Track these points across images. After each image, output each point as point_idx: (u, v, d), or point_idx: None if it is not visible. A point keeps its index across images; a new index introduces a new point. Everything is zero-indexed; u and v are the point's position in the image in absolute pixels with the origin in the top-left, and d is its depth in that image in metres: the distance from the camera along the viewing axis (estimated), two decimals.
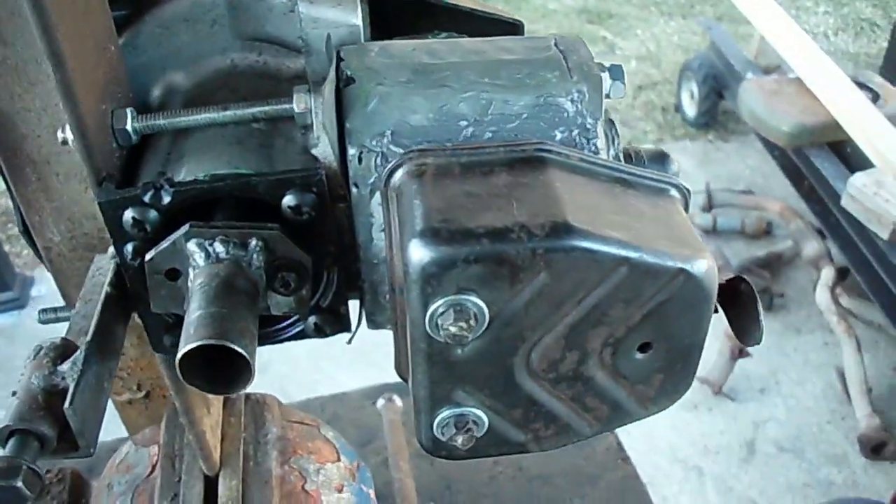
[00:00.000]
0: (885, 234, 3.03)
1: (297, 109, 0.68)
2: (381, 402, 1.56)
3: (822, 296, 3.47)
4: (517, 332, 0.59)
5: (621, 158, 0.74)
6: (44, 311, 0.85)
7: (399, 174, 0.63)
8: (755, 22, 4.05)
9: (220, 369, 0.60)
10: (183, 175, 0.68)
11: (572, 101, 0.68)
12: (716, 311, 0.66)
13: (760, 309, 0.65)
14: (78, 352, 0.65)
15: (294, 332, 0.76)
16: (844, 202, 3.18)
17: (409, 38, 0.80)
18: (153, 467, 0.99)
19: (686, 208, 0.68)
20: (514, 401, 0.64)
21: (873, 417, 3.10)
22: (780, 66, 4.06)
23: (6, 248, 3.98)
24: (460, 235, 0.55)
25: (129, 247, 0.68)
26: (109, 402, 1.10)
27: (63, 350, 0.66)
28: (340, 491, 0.99)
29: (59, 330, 0.74)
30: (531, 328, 0.59)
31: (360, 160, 0.67)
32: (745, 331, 0.66)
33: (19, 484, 0.57)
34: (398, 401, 1.55)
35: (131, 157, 0.72)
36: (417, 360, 0.61)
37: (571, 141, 0.68)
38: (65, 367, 0.64)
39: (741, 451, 3.22)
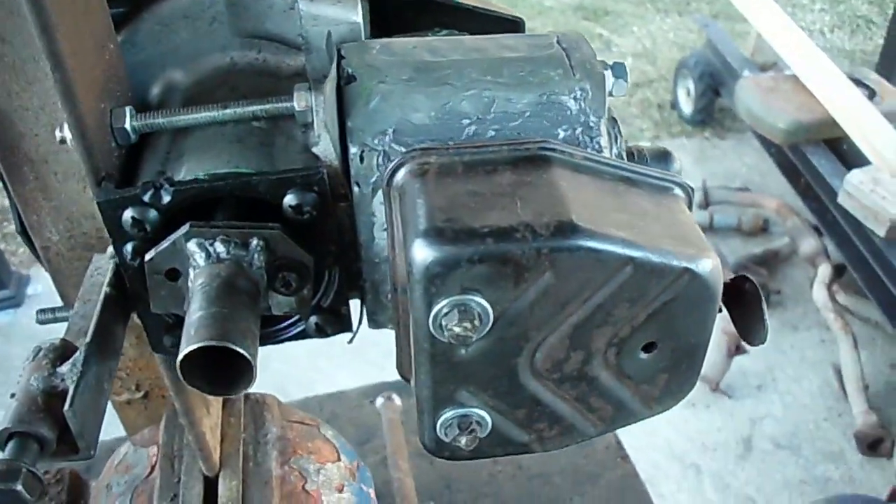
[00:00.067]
0: (881, 232, 3.03)
1: (297, 107, 0.68)
2: (380, 400, 1.55)
3: (818, 293, 3.48)
4: (521, 332, 0.59)
5: (624, 157, 0.74)
6: (42, 311, 0.84)
7: (401, 173, 0.63)
8: (751, 19, 4.05)
9: (222, 370, 0.60)
10: (183, 174, 0.68)
11: (575, 99, 0.68)
12: (720, 310, 0.66)
13: (765, 308, 0.65)
14: (77, 353, 0.64)
15: (295, 332, 0.76)
16: (841, 199, 3.18)
17: (410, 36, 0.79)
18: (152, 468, 0.98)
19: (690, 207, 0.67)
20: (517, 401, 0.64)
21: (870, 414, 3.11)
22: (776, 63, 4.06)
23: (1, 246, 3.96)
24: (464, 235, 0.55)
25: (129, 247, 0.67)
26: (108, 403, 1.09)
27: (62, 351, 0.65)
28: (341, 491, 0.98)
29: (57, 329, 0.74)
30: (536, 328, 0.59)
31: (361, 159, 0.67)
32: (749, 330, 0.66)
33: (19, 487, 0.57)
34: (397, 399, 1.55)
35: (130, 156, 0.72)
36: (421, 360, 0.60)
37: (575, 139, 0.68)
38: (64, 368, 0.63)
39: (738, 448, 3.22)
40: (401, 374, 0.74)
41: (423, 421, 0.65)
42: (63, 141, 0.70)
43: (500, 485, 1.55)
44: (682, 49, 5.60)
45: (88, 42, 0.64)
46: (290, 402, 1.36)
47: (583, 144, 0.68)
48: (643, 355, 0.63)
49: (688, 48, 5.48)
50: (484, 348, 0.59)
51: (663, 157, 0.77)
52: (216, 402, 0.98)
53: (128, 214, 0.65)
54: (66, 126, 0.68)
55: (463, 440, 0.64)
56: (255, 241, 0.64)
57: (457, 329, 0.56)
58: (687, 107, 4.86)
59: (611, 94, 0.71)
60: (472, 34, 0.81)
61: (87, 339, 0.65)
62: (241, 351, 0.57)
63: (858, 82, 3.53)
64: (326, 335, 0.76)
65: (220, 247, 0.64)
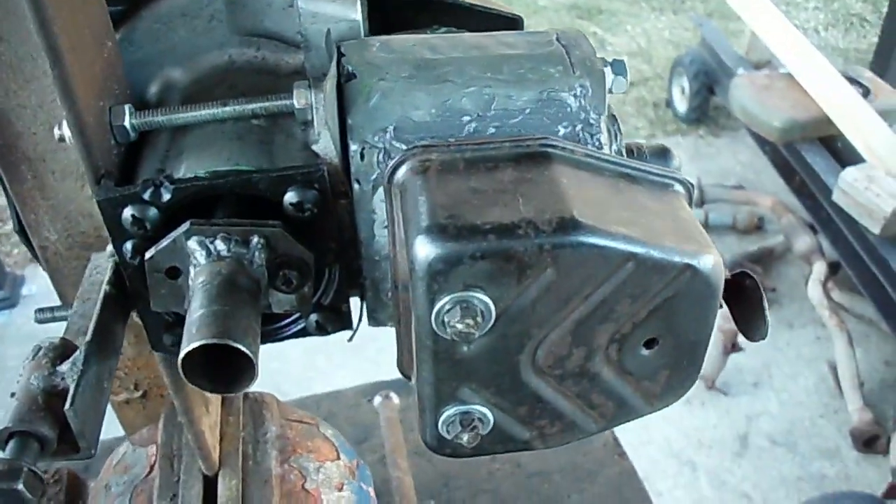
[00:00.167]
0: (876, 229, 3.04)
1: (297, 105, 0.67)
2: (378, 399, 1.55)
3: (813, 290, 3.48)
4: (524, 328, 0.59)
5: (623, 154, 0.74)
6: (40, 310, 0.84)
7: (403, 170, 0.63)
8: (746, 18, 4.06)
9: (223, 368, 0.60)
10: (182, 172, 0.68)
11: (575, 96, 0.68)
12: (720, 307, 0.66)
13: (766, 304, 0.65)
14: (77, 352, 0.64)
15: (295, 329, 0.75)
16: (836, 197, 3.19)
17: (409, 34, 0.79)
18: (151, 467, 0.98)
19: (690, 203, 0.67)
20: (519, 398, 0.64)
21: (865, 411, 3.12)
22: (770, 61, 4.07)
23: None
24: (467, 231, 0.55)
25: (129, 245, 0.67)
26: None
27: (62, 350, 0.65)
28: (340, 489, 0.98)
29: (54, 329, 0.73)
30: (538, 325, 0.59)
31: (362, 156, 0.67)
32: (750, 326, 0.66)
33: (20, 487, 0.56)
34: (395, 398, 1.55)
35: (129, 154, 0.71)
36: (423, 357, 0.60)
37: (575, 136, 0.68)
38: (64, 367, 0.63)
39: (734, 444, 3.22)
40: (401, 371, 0.74)
41: (424, 418, 0.65)
42: (62, 139, 0.70)
43: (499, 482, 1.55)
44: (677, 47, 5.60)
45: (87, 38, 0.64)
46: (286, 402, 1.36)
47: (583, 141, 0.68)
48: (645, 351, 0.63)
49: (683, 46, 5.49)
50: (486, 345, 0.59)
51: (663, 154, 0.77)
52: (215, 400, 0.98)
53: (128, 212, 0.65)
54: (64, 124, 0.68)
55: (465, 437, 0.64)
56: (255, 239, 0.64)
57: (459, 326, 0.56)
58: (682, 105, 4.86)
59: (610, 91, 0.71)
60: (470, 32, 0.81)
61: (87, 337, 0.65)
62: (243, 349, 0.57)
63: (853, 80, 3.53)
64: (327, 333, 0.75)
65: (220, 244, 0.64)
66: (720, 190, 4.21)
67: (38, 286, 3.78)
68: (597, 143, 0.68)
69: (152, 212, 0.65)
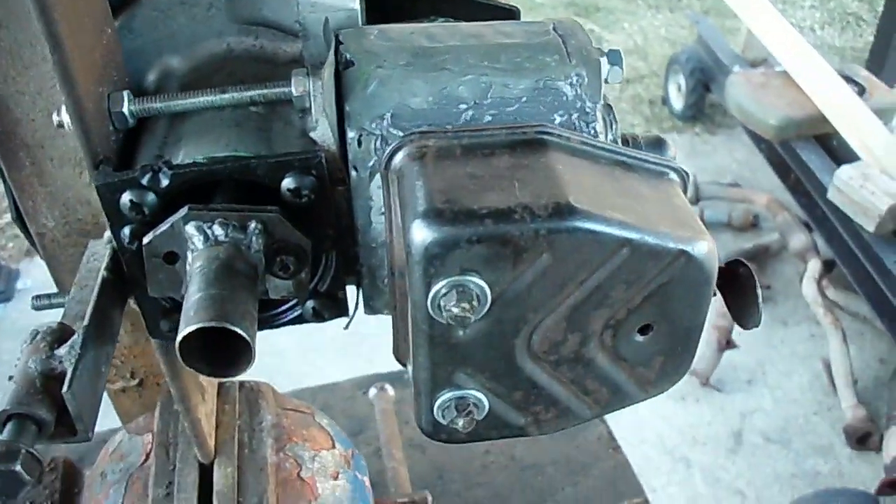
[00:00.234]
0: (870, 227, 3.05)
1: (295, 93, 0.68)
2: (373, 391, 1.55)
3: (808, 288, 3.50)
4: (519, 313, 0.59)
5: (619, 143, 0.74)
6: (37, 297, 0.84)
7: (400, 156, 0.63)
8: (742, 16, 4.07)
9: (220, 352, 0.60)
10: (181, 158, 0.68)
11: (571, 85, 0.68)
12: (714, 294, 0.66)
13: (759, 292, 0.65)
14: (75, 336, 0.64)
15: (292, 316, 0.76)
16: (831, 195, 3.20)
17: (407, 24, 0.80)
18: (147, 455, 0.98)
19: (685, 191, 0.68)
20: (514, 383, 0.64)
21: (859, 408, 3.13)
22: (766, 59, 4.08)
23: None
24: (463, 216, 0.55)
25: (127, 230, 0.67)
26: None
27: (60, 334, 0.65)
28: (336, 478, 0.99)
29: (48, 319, 0.73)
30: (533, 309, 0.59)
31: (359, 143, 0.67)
32: (743, 314, 0.66)
33: (18, 468, 0.57)
34: (390, 390, 1.55)
35: (128, 141, 0.72)
36: (419, 342, 0.61)
37: (571, 124, 0.68)
38: (62, 351, 0.63)
39: (728, 441, 3.23)
40: (397, 358, 0.75)
41: (420, 403, 0.65)
42: (60, 125, 0.70)
43: (493, 475, 1.56)
44: (674, 45, 5.61)
45: (87, 25, 0.64)
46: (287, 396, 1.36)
47: (579, 130, 0.68)
48: (639, 338, 0.64)
49: (679, 44, 5.50)
50: (482, 330, 0.60)
51: (658, 144, 0.77)
52: (211, 389, 0.98)
53: (126, 198, 0.65)
54: (63, 110, 0.68)
55: (460, 422, 0.64)
56: (253, 224, 0.64)
57: (455, 310, 0.56)
58: (678, 102, 4.87)
59: (606, 81, 0.72)
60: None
61: (85, 322, 0.65)
62: (240, 332, 0.57)
63: (848, 79, 3.54)
64: (323, 319, 0.76)
65: (218, 230, 0.64)
66: (716, 187, 4.22)
67: (34, 280, 3.77)
68: (592, 132, 0.69)
69: (150, 197, 0.66)
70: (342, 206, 0.71)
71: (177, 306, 0.72)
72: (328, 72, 0.66)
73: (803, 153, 3.54)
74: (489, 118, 0.67)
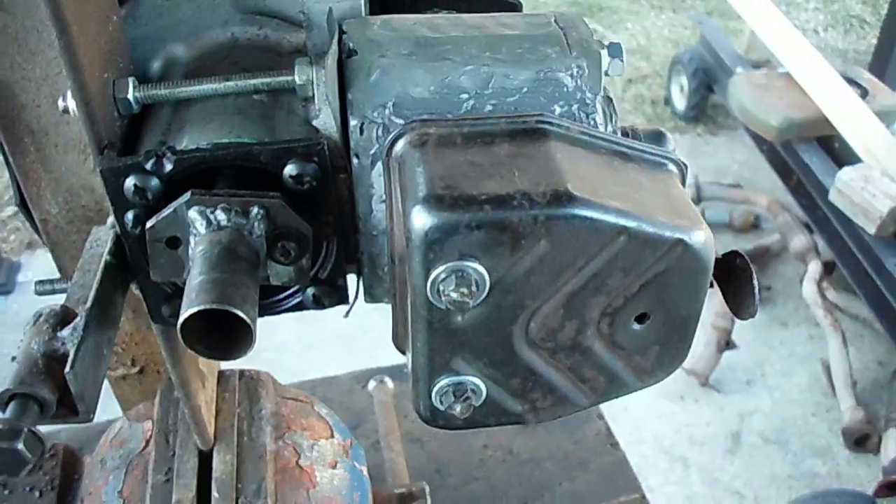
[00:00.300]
0: (871, 229, 3.06)
1: (298, 81, 0.69)
2: (372, 384, 1.56)
3: (808, 289, 3.50)
4: (517, 299, 0.60)
5: (619, 135, 0.75)
6: (40, 282, 0.85)
7: (401, 143, 0.64)
8: (746, 17, 4.07)
9: (221, 336, 0.61)
10: (184, 144, 0.68)
11: (572, 76, 0.69)
12: (711, 285, 0.67)
13: (755, 283, 0.66)
14: (78, 318, 0.65)
15: (293, 303, 0.76)
16: (832, 196, 3.20)
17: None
18: (147, 442, 0.99)
19: (683, 183, 0.68)
20: (512, 370, 0.65)
21: (857, 410, 3.14)
22: (769, 60, 4.08)
23: None
24: (463, 202, 0.56)
25: (130, 215, 0.68)
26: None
27: (63, 317, 0.66)
28: (334, 467, 0.99)
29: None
30: (531, 296, 0.60)
31: (361, 131, 0.68)
32: (739, 305, 0.67)
33: (20, 446, 0.57)
34: (389, 383, 1.56)
35: (132, 127, 0.72)
36: (418, 327, 0.61)
37: (571, 115, 0.69)
38: (65, 332, 0.64)
39: (726, 442, 3.24)
40: (396, 346, 0.75)
41: (418, 389, 0.66)
42: (66, 111, 0.71)
43: (491, 469, 1.56)
44: (677, 45, 5.62)
45: (93, 12, 0.65)
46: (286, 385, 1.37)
47: (579, 120, 0.69)
48: (636, 326, 0.64)
49: (682, 45, 5.50)
50: (480, 315, 0.60)
51: (658, 137, 0.78)
52: (211, 377, 0.99)
53: (130, 182, 0.66)
54: (69, 95, 0.69)
55: (458, 408, 0.65)
56: (255, 210, 0.65)
57: (454, 295, 0.57)
58: (680, 103, 4.88)
59: (607, 74, 0.73)
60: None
61: (88, 304, 0.66)
62: (241, 314, 0.58)
63: (851, 81, 3.55)
64: (323, 307, 0.76)
65: (220, 215, 0.65)
66: (717, 188, 4.22)
67: (35, 273, 3.78)
68: (592, 123, 0.69)
69: (154, 182, 0.66)
70: (344, 193, 0.71)
71: (178, 291, 0.73)
72: (331, 60, 0.67)
73: (805, 155, 3.55)
74: (490, 108, 0.68)
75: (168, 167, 0.66)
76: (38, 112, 0.82)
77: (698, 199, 4.14)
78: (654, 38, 5.91)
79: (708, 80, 4.53)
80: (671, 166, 0.68)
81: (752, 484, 3.10)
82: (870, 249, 3.13)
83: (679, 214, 0.61)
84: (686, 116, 4.89)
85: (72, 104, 0.68)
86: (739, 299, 0.67)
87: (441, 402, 0.65)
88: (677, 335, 0.66)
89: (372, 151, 0.68)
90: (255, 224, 0.65)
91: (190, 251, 0.65)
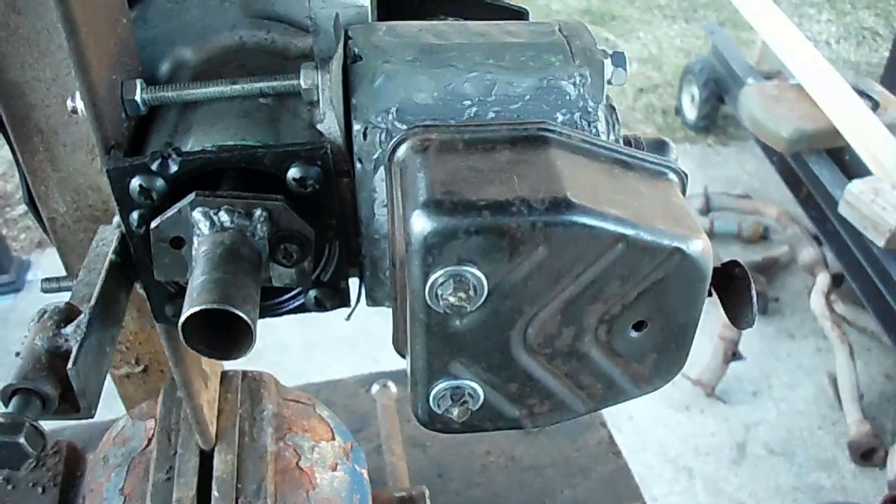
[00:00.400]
0: (880, 242, 3.05)
1: (303, 85, 0.69)
2: (375, 387, 1.57)
3: (816, 301, 3.49)
4: (515, 305, 0.61)
5: (621, 143, 0.75)
6: (47, 280, 0.86)
7: (403, 148, 0.64)
8: (758, 28, 4.07)
9: (222, 335, 0.62)
10: (190, 146, 0.69)
11: (574, 84, 0.70)
12: (709, 294, 0.67)
13: (754, 293, 0.66)
14: (82, 315, 0.66)
15: (295, 304, 0.77)
16: (841, 209, 3.19)
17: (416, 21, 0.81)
18: (149, 440, 1.00)
19: (683, 192, 0.69)
20: (509, 375, 0.65)
21: (864, 423, 3.12)
22: (780, 71, 4.08)
23: (3, 231, 3.98)
24: (462, 207, 0.57)
25: (135, 215, 0.69)
26: (107, 378, 1.11)
27: (67, 314, 0.67)
28: (334, 469, 1.00)
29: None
30: (529, 302, 0.60)
31: (364, 136, 0.68)
32: (737, 314, 0.67)
33: (21, 440, 0.58)
34: (393, 387, 1.56)
35: (139, 128, 0.73)
36: (416, 330, 0.62)
37: (573, 123, 0.69)
38: (68, 329, 0.65)
39: (732, 453, 3.23)
40: (396, 349, 0.76)
41: (416, 392, 0.66)
42: (74, 111, 0.72)
43: (493, 475, 1.56)
44: (688, 55, 5.62)
45: (102, 13, 0.66)
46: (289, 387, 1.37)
47: (581, 128, 0.70)
48: (633, 334, 0.65)
49: (693, 55, 5.50)
50: (478, 320, 0.61)
51: (660, 146, 0.78)
52: (214, 376, 1.00)
53: (135, 183, 0.67)
54: (77, 96, 0.70)
55: (455, 412, 0.66)
56: (258, 212, 0.66)
57: (452, 299, 0.58)
58: (691, 113, 4.88)
59: (610, 82, 0.73)
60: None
61: (91, 302, 0.67)
62: (242, 314, 0.59)
63: (862, 93, 3.54)
64: (325, 309, 0.77)
65: (224, 216, 0.65)
66: (726, 198, 4.22)
67: (44, 271, 3.80)
68: (594, 131, 0.70)
69: (159, 183, 0.67)
70: (346, 197, 0.72)
71: (182, 291, 0.73)
72: (336, 65, 0.68)
73: (815, 166, 3.54)
74: (493, 115, 0.69)
75: (173, 168, 0.66)
76: (47, 112, 0.83)
77: (707, 210, 4.14)
78: (666, 47, 5.91)
79: (719, 90, 4.53)
80: (671, 175, 0.69)
81: (757, 495, 3.09)
82: (878, 262, 3.12)
83: (678, 223, 0.62)
84: (696, 126, 4.89)
85: (80, 105, 0.69)
86: (737, 308, 0.67)
87: (438, 406, 0.66)
88: (675, 343, 0.66)
89: (375, 156, 0.69)
90: (258, 226, 0.66)
91: (193, 251, 0.66)
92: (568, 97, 0.69)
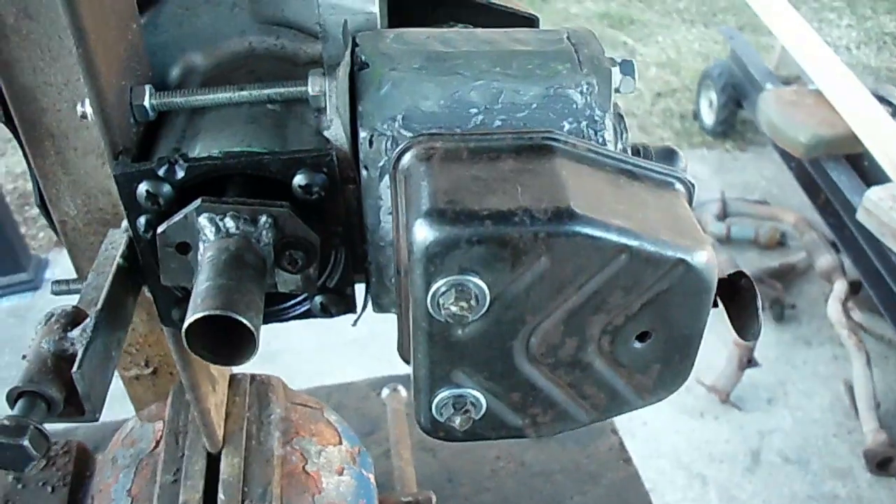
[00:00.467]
0: None
1: (311, 92, 0.69)
2: (385, 391, 1.57)
3: (833, 309, 3.46)
4: (517, 314, 0.60)
5: (629, 152, 0.75)
6: (56, 282, 0.86)
7: (408, 157, 0.64)
8: (777, 33, 4.05)
9: (226, 340, 0.62)
10: (197, 151, 0.70)
11: (582, 92, 0.69)
12: (715, 305, 0.67)
13: (759, 305, 0.66)
14: (88, 319, 0.66)
15: (301, 310, 0.77)
16: (860, 215, 3.16)
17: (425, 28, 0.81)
18: (157, 442, 1.00)
19: (690, 202, 0.68)
20: (512, 384, 0.65)
21: (880, 433, 3.09)
22: (799, 77, 4.05)
23: (22, 230, 4.02)
24: (464, 217, 0.57)
25: (142, 220, 0.69)
26: (118, 379, 1.12)
27: (74, 317, 0.67)
28: (341, 474, 1.00)
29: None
30: (531, 312, 0.60)
31: (370, 143, 0.69)
32: (743, 326, 0.67)
33: (26, 443, 0.59)
34: (403, 391, 1.56)
35: (148, 133, 0.74)
36: (419, 339, 0.62)
37: (580, 132, 0.69)
38: (75, 333, 0.65)
39: (746, 460, 3.21)
40: (401, 356, 0.76)
41: (419, 400, 0.66)
42: (84, 116, 0.72)
43: (502, 480, 1.56)
44: (707, 60, 5.59)
45: (111, 20, 0.66)
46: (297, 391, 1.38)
47: (587, 137, 0.69)
48: (637, 344, 0.64)
49: (712, 59, 5.47)
50: (480, 329, 0.61)
51: (669, 155, 0.78)
52: (222, 380, 1.00)
53: (142, 188, 0.67)
54: (87, 101, 0.70)
55: (457, 420, 0.65)
56: (263, 218, 0.66)
57: (453, 308, 0.58)
58: (709, 118, 4.85)
59: (618, 91, 0.73)
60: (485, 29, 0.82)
61: (98, 306, 0.67)
62: (245, 321, 0.59)
63: (882, 99, 3.51)
64: (331, 315, 0.77)
65: (229, 222, 0.66)
66: (743, 204, 4.20)
67: (62, 269, 3.83)
68: (601, 140, 0.70)
69: (166, 188, 0.67)
70: (352, 204, 0.72)
71: (188, 296, 0.74)
72: (343, 72, 0.68)
73: (833, 173, 3.51)
74: (499, 123, 0.68)
75: (180, 174, 0.67)
76: (58, 116, 0.84)
77: (725, 215, 4.11)
78: (685, 51, 5.88)
79: (737, 95, 4.51)
80: (678, 185, 0.68)
81: (771, 503, 3.06)
82: None
83: (683, 234, 0.61)
84: (714, 131, 4.86)
85: (89, 110, 0.70)
86: (743, 320, 0.67)
87: (441, 414, 0.66)
88: (679, 354, 0.66)
89: (381, 164, 0.69)
90: (263, 232, 0.66)
91: (199, 257, 0.67)
92: (575, 106, 0.69)
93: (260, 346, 0.61)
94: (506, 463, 1.59)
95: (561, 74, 0.69)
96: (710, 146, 4.88)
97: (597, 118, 0.70)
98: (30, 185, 0.86)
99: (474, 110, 0.68)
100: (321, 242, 0.69)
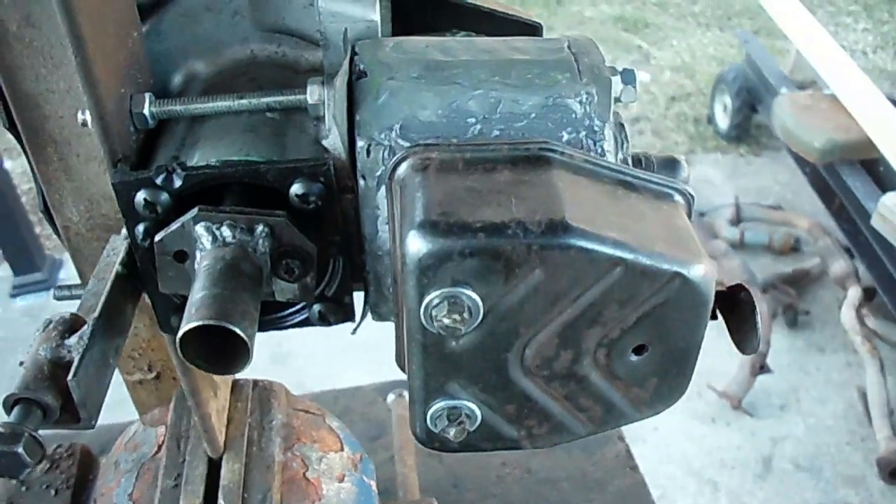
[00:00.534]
0: None
1: (310, 101, 0.69)
2: (391, 397, 1.57)
3: (847, 315, 3.43)
4: (511, 327, 0.60)
5: (630, 162, 0.74)
6: (59, 287, 0.87)
7: (403, 167, 0.64)
8: (792, 37, 4.02)
9: (221, 349, 0.62)
10: (196, 160, 0.70)
11: (581, 102, 0.69)
12: (714, 317, 0.66)
13: (758, 318, 0.65)
14: (85, 327, 0.66)
15: (299, 319, 0.77)
16: (874, 221, 3.14)
17: (427, 36, 0.81)
18: (159, 447, 1.01)
19: (689, 214, 0.68)
20: (507, 396, 0.65)
21: (894, 441, 3.06)
22: (815, 81, 4.03)
23: (37, 230, 4.05)
24: (457, 229, 0.56)
25: (141, 227, 0.69)
26: (121, 383, 1.12)
27: (72, 324, 0.68)
28: (341, 480, 1.00)
29: None
30: (525, 324, 0.60)
31: (368, 152, 0.68)
32: (741, 339, 0.66)
33: (20, 450, 0.59)
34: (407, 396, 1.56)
35: (148, 140, 0.74)
36: (413, 350, 0.62)
37: (579, 142, 0.69)
38: (72, 340, 0.66)
39: (757, 467, 3.19)
40: (399, 365, 0.76)
41: (414, 411, 0.66)
42: (84, 124, 0.73)
43: (508, 487, 1.56)
44: (721, 64, 5.56)
45: (110, 27, 0.67)
46: (305, 395, 1.38)
47: (586, 148, 0.69)
48: (633, 357, 0.64)
49: (727, 63, 5.44)
50: (474, 341, 0.60)
51: (671, 165, 0.77)
52: (224, 385, 1.01)
53: (140, 196, 0.68)
54: (87, 109, 0.70)
55: (452, 431, 0.65)
56: (260, 228, 0.66)
57: (446, 321, 0.57)
58: (723, 122, 4.83)
59: (619, 100, 0.72)
60: (488, 37, 0.82)
61: (96, 314, 0.67)
62: (238, 331, 0.59)
63: None
64: (329, 324, 0.77)
65: (226, 231, 0.66)
66: (757, 209, 4.17)
67: (76, 271, 3.86)
68: (600, 150, 0.69)
69: (164, 196, 0.68)
70: (350, 213, 0.72)
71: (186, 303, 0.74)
72: (341, 80, 0.68)
73: (848, 178, 3.49)
74: (497, 133, 0.68)
75: (177, 183, 0.67)
76: (60, 123, 0.84)
77: (738, 220, 4.09)
78: (699, 55, 5.86)
79: (752, 99, 4.48)
80: (677, 197, 0.68)
81: None
82: None
83: (679, 246, 0.61)
84: (729, 136, 4.84)
85: (89, 118, 0.70)
86: (742, 333, 0.66)
87: (436, 425, 0.66)
88: (676, 368, 0.65)
89: (378, 173, 0.69)
90: (260, 241, 0.66)
91: (196, 265, 0.67)
92: (574, 115, 0.69)
93: (254, 355, 0.61)
94: (511, 469, 1.59)
95: (560, 84, 0.69)
96: (725, 150, 4.86)
97: (596, 128, 0.69)
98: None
99: (472, 120, 0.68)
100: (318, 251, 0.69)
